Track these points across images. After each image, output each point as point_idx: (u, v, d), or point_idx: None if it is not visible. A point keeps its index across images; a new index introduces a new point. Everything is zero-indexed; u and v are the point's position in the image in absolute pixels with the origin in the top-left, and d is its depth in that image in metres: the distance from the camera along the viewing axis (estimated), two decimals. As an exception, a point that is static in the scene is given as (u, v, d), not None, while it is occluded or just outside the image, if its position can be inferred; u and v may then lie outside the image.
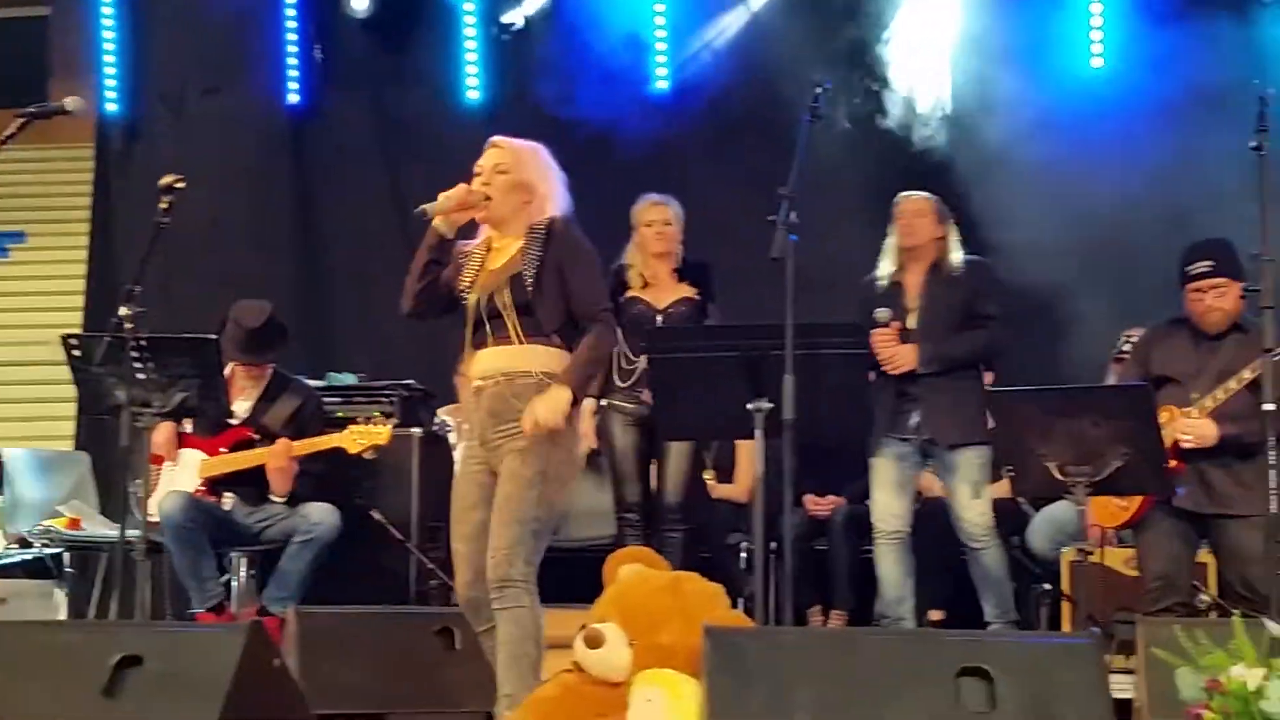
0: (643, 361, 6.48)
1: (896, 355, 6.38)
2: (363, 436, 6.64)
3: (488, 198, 4.84)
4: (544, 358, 4.78)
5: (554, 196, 4.92)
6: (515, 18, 8.70)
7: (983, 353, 6.53)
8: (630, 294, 6.77)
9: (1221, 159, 7.11)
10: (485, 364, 4.83)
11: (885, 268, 6.59)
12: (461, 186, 4.87)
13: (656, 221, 6.74)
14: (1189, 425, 5.62)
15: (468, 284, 4.87)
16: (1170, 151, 7.64)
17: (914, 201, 6.62)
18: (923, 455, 6.54)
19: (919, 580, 6.76)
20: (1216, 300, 5.77)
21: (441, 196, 4.86)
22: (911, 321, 6.50)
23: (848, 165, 7.94)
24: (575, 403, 4.74)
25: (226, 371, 6.77)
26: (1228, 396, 5.60)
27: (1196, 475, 5.70)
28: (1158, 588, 5.68)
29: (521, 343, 4.78)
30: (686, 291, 6.76)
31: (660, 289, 6.76)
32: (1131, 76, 8.07)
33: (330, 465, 6.84)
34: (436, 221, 4.86)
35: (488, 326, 4.82)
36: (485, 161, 4.91)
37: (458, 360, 4.90)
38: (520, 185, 4.88)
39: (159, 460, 6.71)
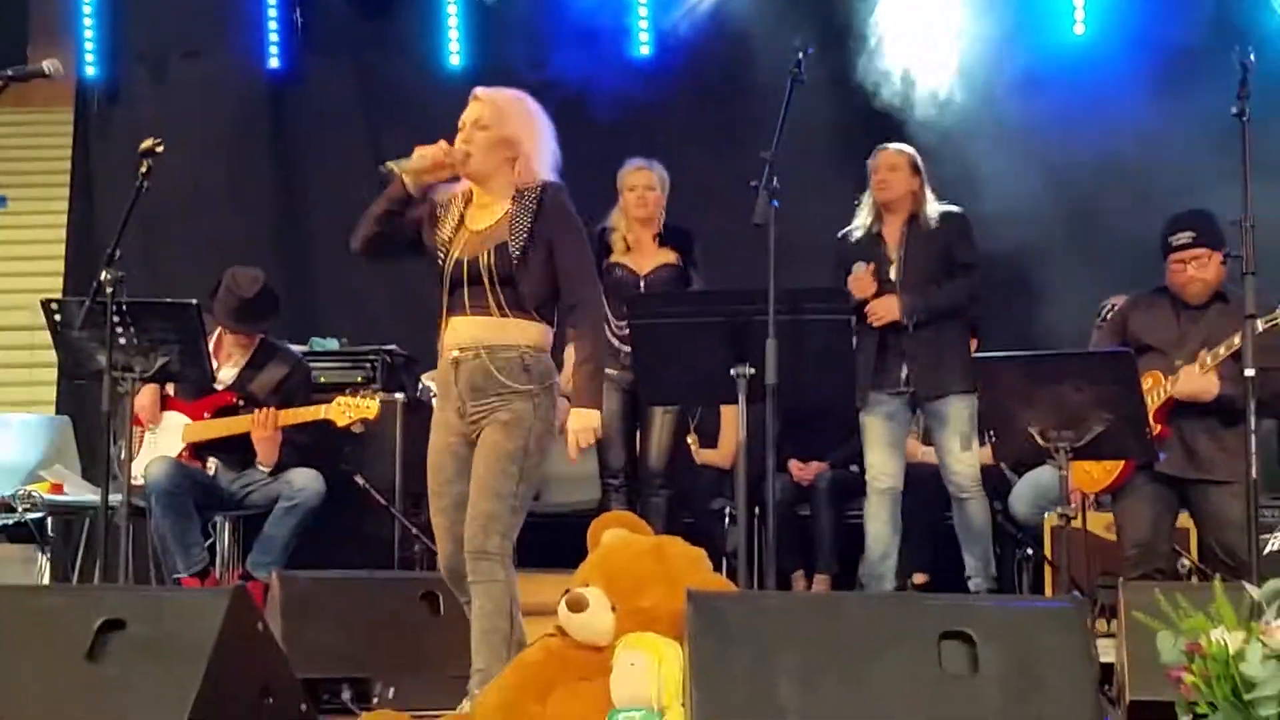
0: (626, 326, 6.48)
1: (879, 307, 6.40)
2: (351, 409, 6.61)
3: (468, 155, 4.71)
4: (527, 332, 4.67)
5: (540, 153, 4.76)
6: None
7: (964, 301, 6.57)
8: (613, 259, 6.77)
9: (1202, 125, 7.14)
10: (463, 333, 4.70)
11: (862, 219, 6.63)
12: (439, 145, 4.75)
13: (639, 186, 6.75)
14: (1193, 378, 5.62)
15: (446, 239, 4.75)
16: (1151, 118, 7.64)
17: (889, 155, 6.65)
18: (911, 409, 6.58)
19: (905, 543, 6.80)
20: (1198, 271, 5.79)
21: (416, 154, 4.74)
22: (893, 273, 6.54)
23: (827, 131, 7.93)
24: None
25: (214, 336, 6.77)
26: (1222, 358, 5.61)
27: (1180, 440, 5.73)
28: (1136, 554, 5.71)
29: (503, 315, 4.66)
30: (669, 257, 6.77)
31: (642, 254, 6.77)
32: (1113, 43, 8.05)
33: (315, 434, 6.83)
34: (405, 177, 4.75)
35: (465, 291, 4.68)
36: (467, 115, 4.76)
37: (439, 325, 4.82)
38: (503, 141, 4.72)
39: (141, 423, 6.69)
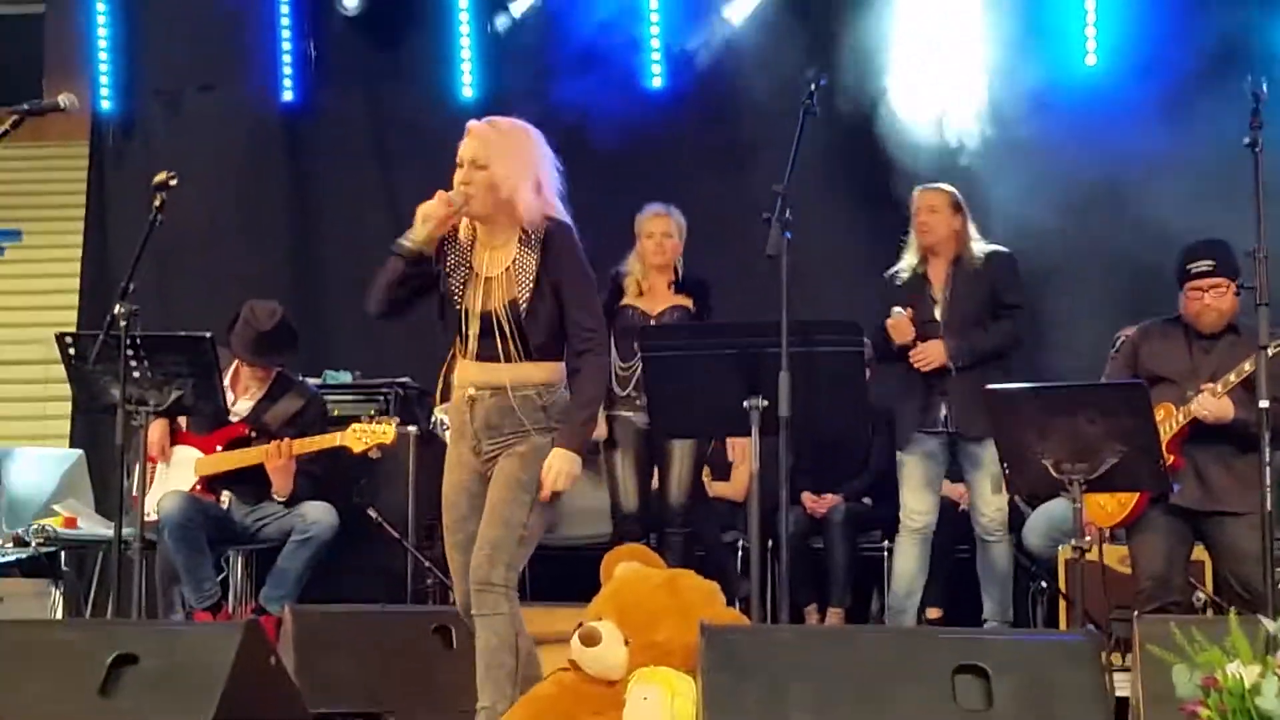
0: (635, 365, 6.50)
1: (926, 352, 6.40)
2: (367, 435, 6.61)
3: (469, 198, 4.61)
4: (541, 371, 4.67)
5: (542, 185, 4.66)
6: (507, 15, 8.68)
7: (1010, 343, 6.58)
8: (625, 302, 6.77)
9: (1214, 154, 7.15)
10: (477, 375, 4.69)
11: (908, 259, 6.64)
12: (439, 198, 4.64)
13: (657, 233, 6.74)
14: (1208, 402, 5.59)
15: (459, 289, 4.70)
16: (1161, 147, 7.66)
17: (928, 196, 6.65)
18: (950, 450, 6.57)
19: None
20: (1215, 300, 5.78)
21: (419, 219, 4.63)
22: (938, 314, 6.55)
23: (842, 163, 7.95)
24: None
25: (230, 369, 6.78)
26: (1233, 384, 5.58)
27: (1193, 471, 5.70)
28: (1151, 587, 5.68)
29: (518, 360, 4.65)
30: (681, 301, 6.75)
31: (655, 297, 6.75)
32: (1124, 74, 8.06)
33: (329, 465, 6.84)
34: (418, 240, 4.65)
35: (479, 339, 4.67)
36: (464, 153, 4.65)
37: (452, 358, 4.81)
38: (502, 180, 4.60)
39: (151, 459, 6.67)
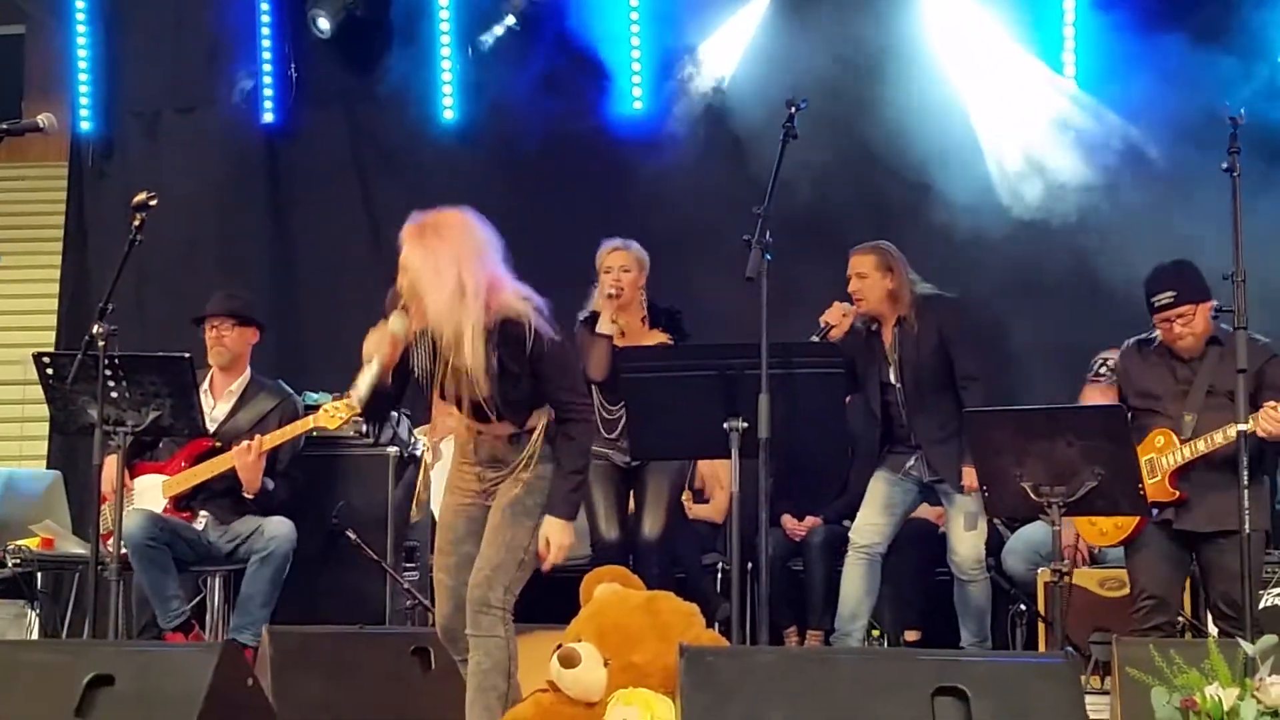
0: (622, 410, 6.49)
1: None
2: (341, 410, 6.61)
3: (410, 317, 4.53)
4: (535, 417, 4.69)
5: (487, 283, 4.51)
6: (488, 37, 8.69)
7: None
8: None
9: (1192, 180, 7.20)
10: (476, 424, 4.72)
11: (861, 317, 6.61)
12: (382, 334, 4.58)
13: (614, 268, 6.60)
14: (1275, 418, 5.52)
15: (425, 369, 4.65)
16: (1139, 168, 7.74)
17: (855, 261, 6.58)
18: (920, 487, 6.58)
19: (897, 600, 6.78)
20: (1185, 327, 5.77)
21: (366, 352, 4.58)
22: (891, 376, 6.55)
23: (820, 186, 7.97)
24: None
25: (205, 378, 6.76)
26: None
27: (1197, 496, 5.67)
28: (1150, 606, 5.67)
29: (506, 423, 4.68)
30: (661, 337, 6.71)
31: (636, 336, 6.66)
32: (1102, 96, 8.10)
33: (307, 480, 6.83)
34: (379, 366, 4.60)
35: (470, 414, 4.67)
36: (402, 260, 4.54)
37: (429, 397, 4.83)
38: (441, 291, 4.47)
39: (104, 498, 6.30)
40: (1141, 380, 5.89)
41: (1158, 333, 5.88)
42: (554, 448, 4.70)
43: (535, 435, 4.68)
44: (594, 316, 6.56)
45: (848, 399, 6.27)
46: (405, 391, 4.81)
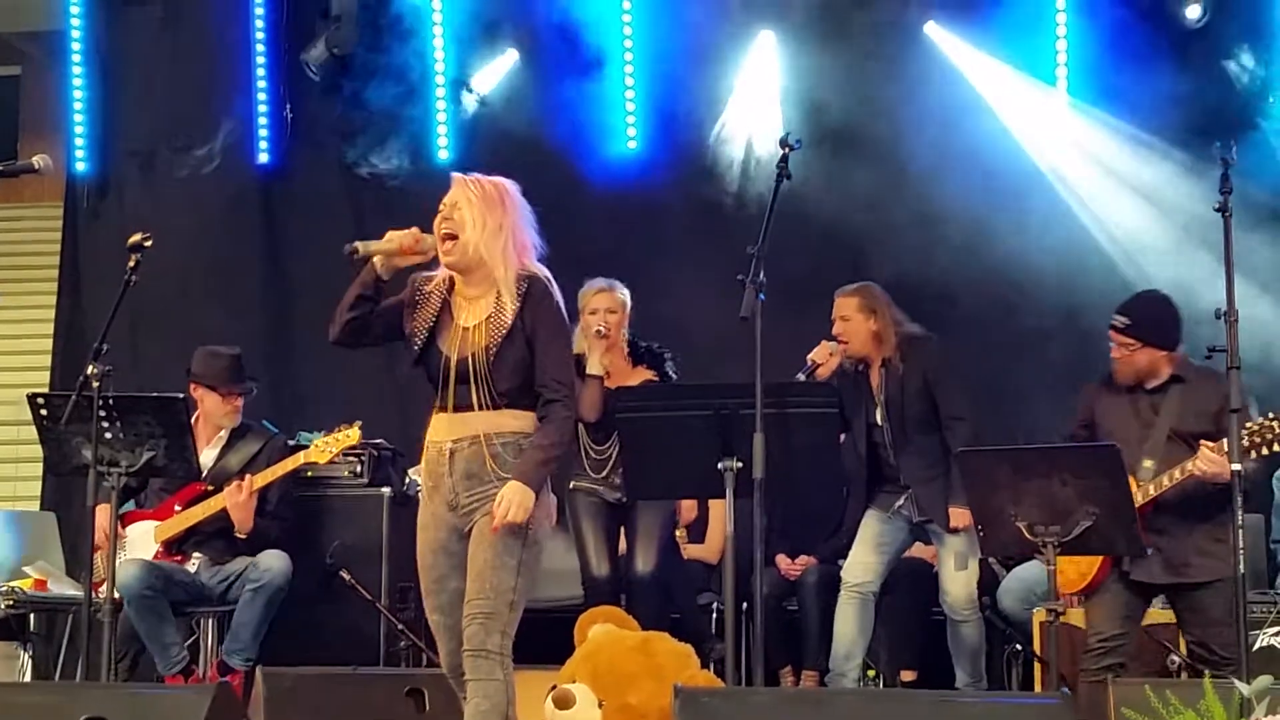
0: (611, 448, 6.50)
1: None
2: (332, 444, 6.63)
3: (453, 236, 4.67)
4: (520, 420, 4.67)
5: (521, 241, 4.73)
6: (481, 86, 8.72)
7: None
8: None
9: (1182, 217, 7.25)
10: (457, 426, 4.69)
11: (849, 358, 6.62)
12: (412, 231, 4.75)
13: (600, 310, 6.63)
14: (1213, 459, 5.51)
15: (427, 328, 4.74)
16: (1134, 206, 7.78)
17: (839, 304, 6.61)
18: (911, 525, 6.58)
19: (893, 640, 6.76)
20: (1119, 354, 5.77)
21: (386, 236, 4.75)
22: (878, 417, 6.56)
23: (813, 227, 8.01)
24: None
25: (192, 421, 6.76)
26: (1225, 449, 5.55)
27: (1154, 548, 5.64)
28: (1102, 650, 5.66)
29: (496, 409, 4.66)
30: (646, 374, 6.73)
31: (621, 376, 6.69)
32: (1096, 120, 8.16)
33: (301, 521, 6.82)
34: (375, 260, 4.76)
35: (458, 388, 4.69)
36: (448, 199, 4.74)
37: (427, 419, 4.81)
38: (476, 238, 4.66)
39: (97, 548, 6.22)
40: (1106, 418, 5.89)
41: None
42: (539, 424, 4.64)
43: (510, 443, 4.62)
44: (579, 359, 6.58)
45: (841, 438, 6.28)
46: (377, 336, 4.84)
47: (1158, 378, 5.78)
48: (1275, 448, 5.49)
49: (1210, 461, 5.45)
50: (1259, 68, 7.97)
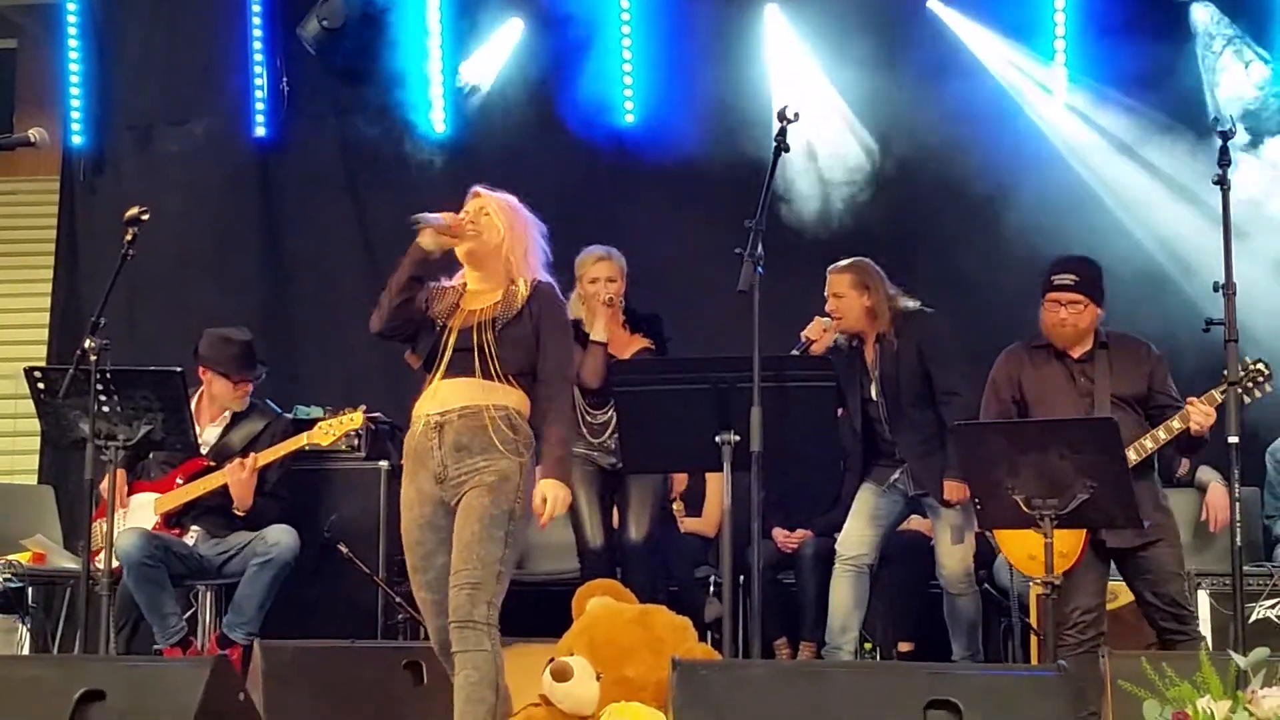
0: (608, 414, 6.50)
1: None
2: (334, 428, 6.65)
3: (478, 233, 4.88)
4: (510, 395, 4.76)
5: (533, 252, 4.97)
6: (478, 77, 8.69)
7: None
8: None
9: (1181, 192, 7.25)
10: (449, 396, 4.75)
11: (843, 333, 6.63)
12: (455, 215, 4.91)
13: (601, 278, 6.66)
14: (1206, 411, 5.60)
15: (444, 315, 4.87)
16: (1131, 180, 7.78)
17: (832, 280, 6.61)
18: (907, 499, 6.59)
19: (890, 612, 6.76)
20: (1071, 315, 5.83)
21: (442, 216, 4.88)
22: (873, 392, 6.56)
23: (808, 198, 8.01)
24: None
25: (195, 398, 6.76)
26: (1218, 399, 5.60)
27: None
28: (1087, 621, 5.72)
29: (489, 379, 4.74)
30: (643, 342, 6.74)
31: (617, 343, 6.70)
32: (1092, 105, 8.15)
33: (299, 494, 6.82)
34: (425, 240, 4.83)
35: (454, 357, 4.78)
36: (471, 206, 4.95)
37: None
38: (512, 233, 4.92)
39: (102, 513, 6.39)
40: (1041, 388, 5.92)
41: (1041, 336, 5.95)
42: (517, 435, 4.73)
43: (505, 414, 4.72)
44: (575, 323, 6.61)
45: (839, 412, 6.28)
46: (416, 323, 4.92)
47: (1086, 344, 5.87)
48: (1267, 388, 5.69)
49: (1205, 414, 5.58)
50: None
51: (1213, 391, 5.64)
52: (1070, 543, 5.69)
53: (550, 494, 4.71)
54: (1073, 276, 5.83)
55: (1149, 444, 5.76)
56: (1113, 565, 5.87)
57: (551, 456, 4.77)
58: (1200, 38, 7.84)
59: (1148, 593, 5.79)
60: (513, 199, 5.04)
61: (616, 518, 6.75)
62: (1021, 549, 5.78)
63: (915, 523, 6.99)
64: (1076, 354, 5.92)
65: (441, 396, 4.77)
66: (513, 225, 4.95)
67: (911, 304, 6.61)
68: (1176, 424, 5.70)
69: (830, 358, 6.47)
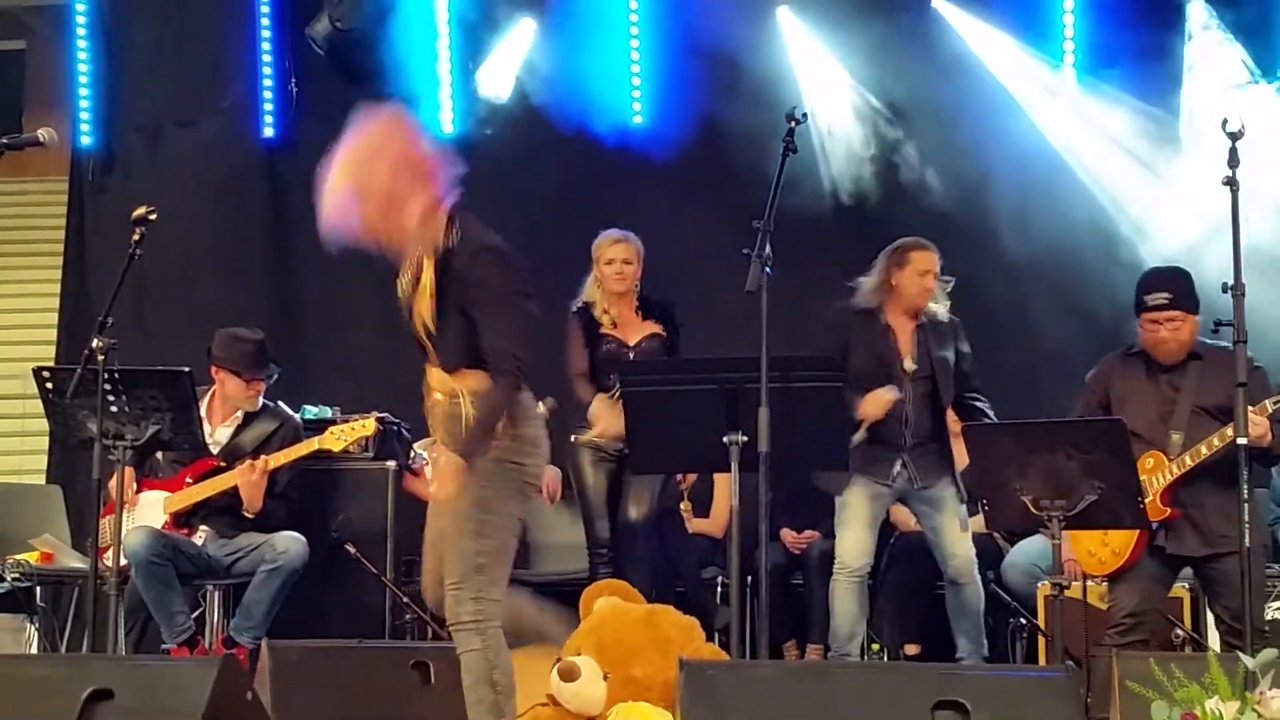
0: (614, 397, 6.51)
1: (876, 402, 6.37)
2: (346, 433, 6.66)
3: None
4: (470, 380, 4.57)
5: (413, 204, 4.55)
6: (495, 89, 8.68)
7: None
8: (601, 332, 6.77)
9: (1191, 192, 7.23)
10: (432, 382, 4.70)
11: (867, 300, 6.57)
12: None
13: (617, 260, 6.71)
14: (1259, 422, 5.50)
15: (403, 304, 4.68)
16: (1140, 178, 7.77)
17: (930, 258, 6.56)
18: (898, 495, 6.56)
19: (896, 614, 6.75)
20: (1172, 333, 5.78)
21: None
22: (908, 365, 6.52)
23: (818, 201, 8.01)
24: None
25: (205, 398, 6.76)
26: (1270, 409, 5.56)
27: (1188, 519, 5.68)
28: (1129, 625, 5.69)
29: (449, 369, 4.61)
30: (654, 328, 6.76)
31: (627, 327, 6.75)
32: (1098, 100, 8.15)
33: (306, 494, 6.83)
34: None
35: (424, 345, 4.68)
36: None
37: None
38: (380, 202, 4.55)
39: (111, 510, 6.26)
40: (1128, 396, 5.89)
41: (1138, 344, 5.89)
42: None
43: (460, 402, 4.56)
44: (587, 308, 6.66)
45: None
46: None
47: (1191, 347, 5.81)
48: None
49: (1256, 425, 5.46)
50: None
51: (1265, 401, 5.56)
52: (1122, 540, 5.69)
53: (444, 461, 4.50)
54: (1166, 295, 5.75)
55: (1203, 450, 5.63)
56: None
57: (470, 440, 4.50)
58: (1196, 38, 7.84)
59: (1216, 605, 5.76)
60: (372, 136, 4.68)
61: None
62: (1083, 545, 5.81)
63: (915, 523, 6.91)
64: (1167, 364, 5.85)
65: (428, 383, 4.73)
66: (384, 181, 4.51)
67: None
68: (1229, 432, 5.50)
69: (854, 328, 6.50)
